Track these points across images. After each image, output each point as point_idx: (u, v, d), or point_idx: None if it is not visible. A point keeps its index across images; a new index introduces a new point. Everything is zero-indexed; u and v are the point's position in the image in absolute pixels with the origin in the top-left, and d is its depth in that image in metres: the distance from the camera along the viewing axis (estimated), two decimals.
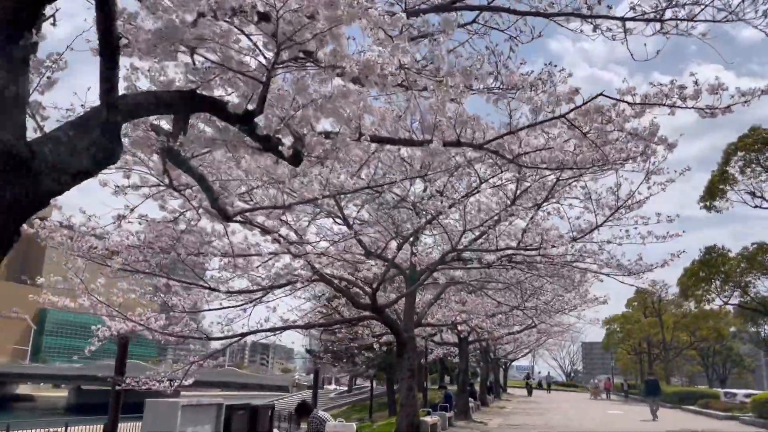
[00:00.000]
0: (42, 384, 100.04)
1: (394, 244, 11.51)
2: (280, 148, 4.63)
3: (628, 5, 5.57)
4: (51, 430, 18.60)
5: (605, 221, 8.57)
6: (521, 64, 6.42)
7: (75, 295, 11.30)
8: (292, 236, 8.07)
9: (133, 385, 13.55)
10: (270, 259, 10.61)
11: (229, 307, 12.47)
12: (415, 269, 12.80)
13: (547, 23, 5.64)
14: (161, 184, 6.09)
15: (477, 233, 10.96)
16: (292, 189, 6.84)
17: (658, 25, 5.50)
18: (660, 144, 6.34)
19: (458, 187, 10.09)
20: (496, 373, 43.90)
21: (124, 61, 4.09)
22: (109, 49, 3.59)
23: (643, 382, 37.64)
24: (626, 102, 6.30)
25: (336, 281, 11.60)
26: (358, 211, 12.06)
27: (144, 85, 4.64)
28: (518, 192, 10.04)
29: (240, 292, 10.54)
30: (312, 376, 41.51)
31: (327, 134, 5.27)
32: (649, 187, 8.73)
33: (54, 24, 3.70)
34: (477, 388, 32.91)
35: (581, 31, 5.55)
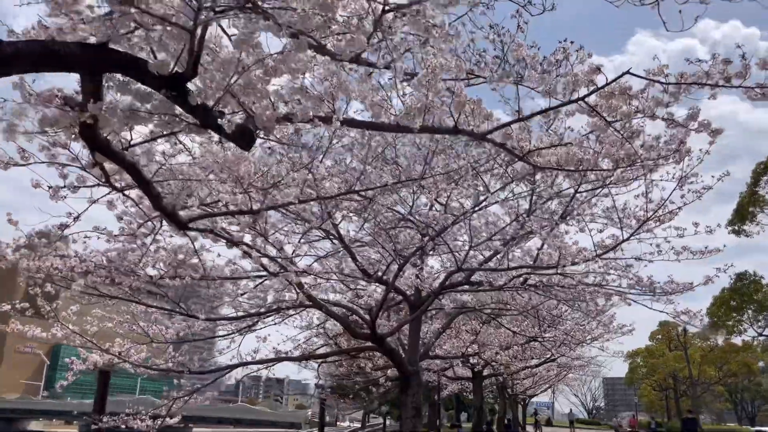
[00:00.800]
0: (54, 420, 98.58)
1: (395, 267, 10.40)
2: (220, 122, 3.63)
3: None
4: None
5: (632, 234, 7.42)
6: (532, 47, 5.46)
7: (46, 324, 10.34)
8: (272, 252, 7.01)
9: (112, 424, 12.53)
10: (260, 283, 9.58)
11: (214, 337, 11.39)
12: (420, 295, 11.65)
13: None
14: (99, 183, 5.10)
15: (487, 253, 9.83)
16: (263, 191, 5.84)
17: None
18: (702, 130, 5.24)
19: (464, 203, 9.02)
20: (514, 410, 41.90)
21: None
22: None
23: (680, 421, 35.32)
24: (658, 81, 5.26)
25: (332, 307, 10.48)
26: (358, 232, 11.02)
27: None
28: (533, 208, 8.95)
29: (221, 319, 9.46)
30: (326, 412, 39.90)
31: (289, 117, 4.27)
32: (682, 195, 7.59)
33: None
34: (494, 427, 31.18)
35: None
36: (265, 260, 7.41)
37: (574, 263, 7.59)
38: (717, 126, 5.26)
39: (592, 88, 5.21)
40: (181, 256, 8.03)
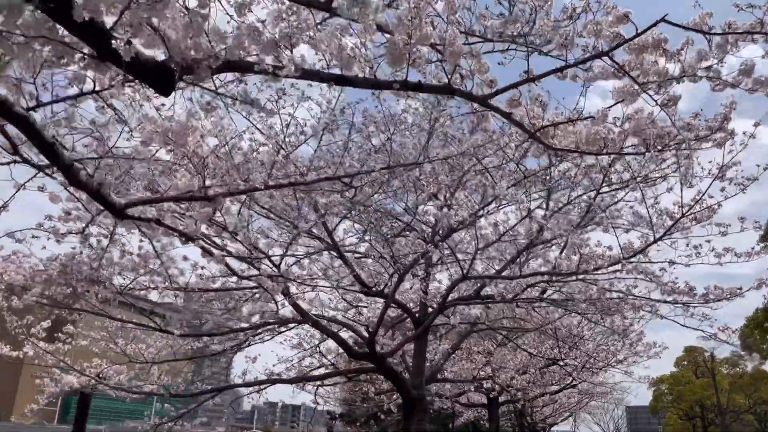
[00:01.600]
0: None
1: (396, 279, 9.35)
2: (120, 50, 2.70)
3: None
4: None
5: (666, 234, 6.32)
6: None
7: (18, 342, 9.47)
8: (244, 252, 6.02)
9: None
10: (251, 297, 8.60)
11: (198, 357, 10.38)
12: (425, 311, 10.57)
13: None
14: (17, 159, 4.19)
15: (497, 264, 8.76)
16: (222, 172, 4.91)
17: None
18: (758, 88, 4.20)
19: (470, 204, 8.00)
20: None
21: None
22: None
23: None
24: (700, 32, 4.26)
25: (326, 323, 9.45)
26: (357, 244, 10.03)
27: None
28: (549, 215, 7.90)
29: (196, 335, 8.46)
30: None
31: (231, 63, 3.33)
32: (723, 189, 6.50)
33: None
34: None
35: None
36: (237, 264, 6.44)
37: (597, 268, 6.51)
38: None
39: (618, 41, 4.23)
40: (155, 264, 7.10)
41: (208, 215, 5.07)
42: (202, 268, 6.52)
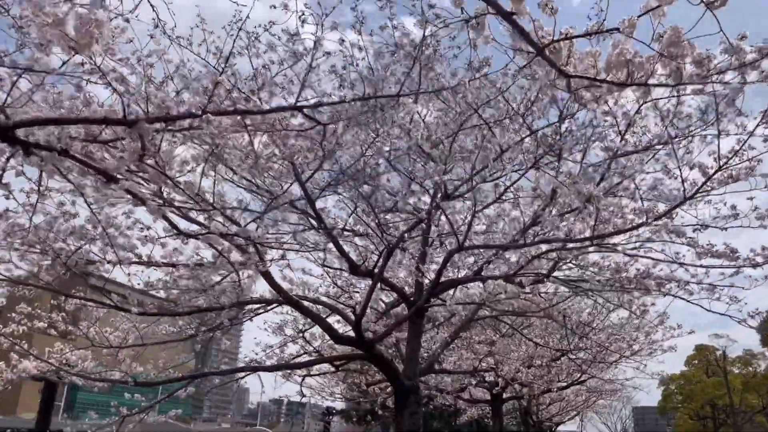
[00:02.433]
0: None
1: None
2: None
3: None
4: None
5: (699, 189, 5.28)
6: None
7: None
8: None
9: None
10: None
11: (167, 342, 9.41)
12: (422, 294, 9.57)
13: None
14: None
15: (501, 235, 7.74)
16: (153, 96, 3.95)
17: None
18: None
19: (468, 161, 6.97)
20: None
21: None
22: None
23: None
24: None
25: (310, 305, 8.48)
26: (350, 216, 9.03)
27: None
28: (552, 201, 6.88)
29: (158, 314, 7.49)
30: None
31: None
32: (766, 139, 5.46)
33: None
34: None
35: None
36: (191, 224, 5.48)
37: (617, 232, 5.49)
38: None
39: None
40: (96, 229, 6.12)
41: (135, 151, 4.09)
42: (148, 228, 5.55)
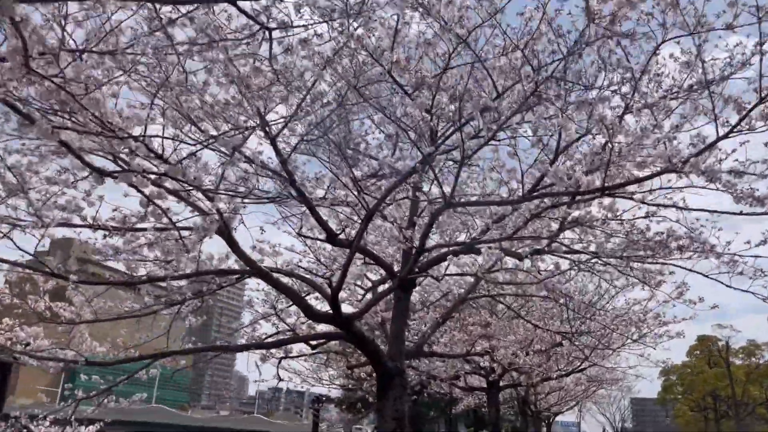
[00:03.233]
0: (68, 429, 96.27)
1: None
2: None
3: None
4: None
5: (734, 128, 4.31)
6: None
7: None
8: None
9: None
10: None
11: (125, 317, 8.45)
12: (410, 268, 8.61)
13: None
14: None
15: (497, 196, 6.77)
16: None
17: None
18: None
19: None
20: (538, 429, 38.09)
21: None
22: None
23: None
24: None
25: (279, 276, 7.53)
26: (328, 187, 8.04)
27: None
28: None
29: (104, 283, 6.55)
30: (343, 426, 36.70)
31: None
32: None
33: None
34: None
35: None
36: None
37: (635, 181, 4.53)
38: None
39: None
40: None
41: (17, 51, 3.13)
42: (66, 170, 4.58)
